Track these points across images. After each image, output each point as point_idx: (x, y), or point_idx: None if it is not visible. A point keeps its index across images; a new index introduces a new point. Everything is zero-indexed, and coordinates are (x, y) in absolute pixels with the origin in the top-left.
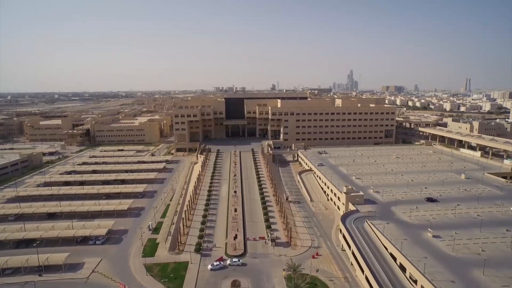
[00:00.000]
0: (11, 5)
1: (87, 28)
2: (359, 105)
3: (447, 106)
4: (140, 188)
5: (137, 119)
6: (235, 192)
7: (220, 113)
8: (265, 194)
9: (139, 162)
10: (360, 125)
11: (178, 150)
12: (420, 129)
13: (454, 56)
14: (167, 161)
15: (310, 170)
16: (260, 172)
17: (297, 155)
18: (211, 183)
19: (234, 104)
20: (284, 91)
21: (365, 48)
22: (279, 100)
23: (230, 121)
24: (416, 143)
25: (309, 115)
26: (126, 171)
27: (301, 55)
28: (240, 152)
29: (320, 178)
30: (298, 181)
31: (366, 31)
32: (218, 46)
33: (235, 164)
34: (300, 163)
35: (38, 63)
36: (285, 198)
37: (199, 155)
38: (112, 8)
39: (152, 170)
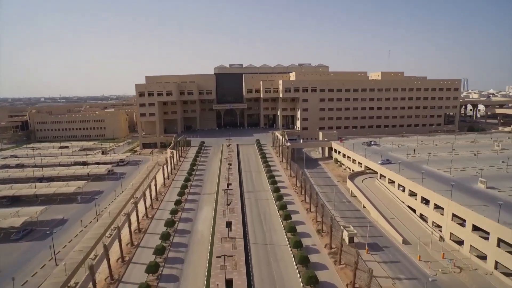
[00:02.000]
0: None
1: (78, 28)
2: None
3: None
4: (19, 220)
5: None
6: (228, 225)
7: (209, 92)
8: (298, 230)
9: (75, 164)
10: (409, 107)
11: (145, 146)
12: (499, 111)
13: (448, 55)
14: (119, 162)
15: (369, 172)
16: (277, 178)
17: (331, 149)
18: (177, 206)
19: (229, 82)
20: (297, 64)
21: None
22: (294, 72)
23: (223, 105)
24: (493, 130)
25: (339, 93)
26: (41, 179)
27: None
28: (238, 145)
29: (403, 187)
30: (351, 193)
31: (360, 27)
32: (222, 45)
33: (230, 165)
34: (337, 161)
35: (26, 67)
36: (343, 237)
37: (170, 151)
38: (109, 6)
39: (81, 178)
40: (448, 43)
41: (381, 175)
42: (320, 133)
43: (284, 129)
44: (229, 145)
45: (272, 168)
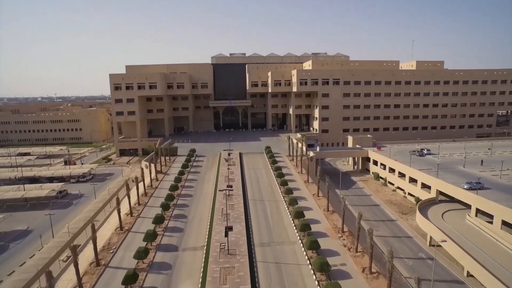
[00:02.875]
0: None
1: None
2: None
3: None
4: None
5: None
6: None
7: (204, 85)
8: None
9: (17, 180)
10: (453, 104)
11: (122, 152)
12: None
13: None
14: (79, 178)
15: (445, 200)
16: (307, 215)
17: (366, 160)
18: None
19: (229, 74)
20: (311, 54)
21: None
22: (310, 60)
23: (221, 102)
24: None
25: (367, 86)
26: None
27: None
28: (241, 155)
29: None
30: (430, 241)
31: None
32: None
33: (230, 189)
34: (378, 177)
35: (23, 67)
36: None
37: (144, 165)
38: (113, 4)
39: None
40: (484, 30)
41: (478, 210)
42: (350, 138)
43: (298, 131)
44: (229, 154)
45: (295, 192)
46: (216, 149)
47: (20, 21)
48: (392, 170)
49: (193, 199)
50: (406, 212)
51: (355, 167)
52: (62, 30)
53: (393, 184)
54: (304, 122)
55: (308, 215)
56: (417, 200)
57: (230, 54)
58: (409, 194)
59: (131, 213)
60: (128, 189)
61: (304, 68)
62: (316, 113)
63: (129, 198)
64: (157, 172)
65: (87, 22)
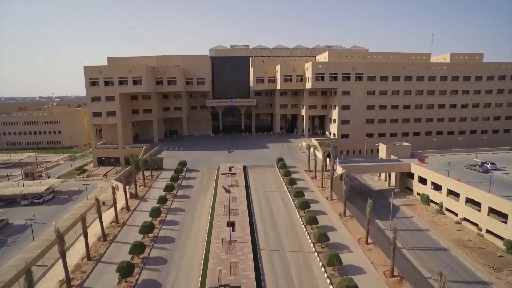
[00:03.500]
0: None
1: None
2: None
3: None
4: None
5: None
6: None
7: (201, 81)
8: None
9: None
10: (497, 104)
11: (101, 162)
12: None
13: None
14: (33, 199)
15: None
16: (360, 283)
17: (411, 176)
18: None
19: (230, 68)
20: (324, 46)
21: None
22: (326, 52)
23: (221, 101)
24: None
25: (395, 83)
26: None
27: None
28: (245, 169)
29: None
30: None
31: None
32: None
33: (232, 229)
34: (428, 200)
35: (19, 67)
36: None
37: (115, 185)
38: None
39: None
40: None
41: None
42: (383, 146)
43: (313, 137)
44: (230, 169)
45: (331, 235)
46: (213, 161)
47: (20, 18)
48: (452, 193)
49: (176, 249)
50: (499, 266)
51: (393, 184)
52: (62, 30)
53: (455, 214)
54: (317, 125)
55: (359, 280)
56: (509, 245)
57: (231, 46)
58: (489, 232)
59: (68, 282)
60: (85, 225)
61: (322, 61)
62: (334, 114)
63: (85, 237)
64: (131, 195)
65: (80, 16)
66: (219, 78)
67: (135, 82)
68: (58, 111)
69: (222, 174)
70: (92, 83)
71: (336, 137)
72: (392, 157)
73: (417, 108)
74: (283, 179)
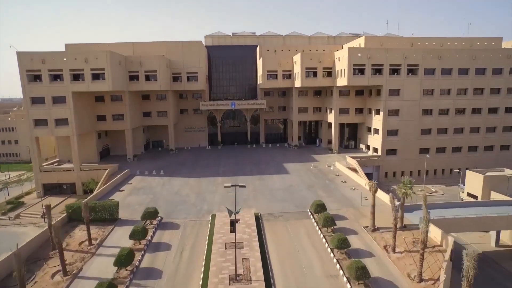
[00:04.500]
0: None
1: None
2: None
3: None
4: None
5: None
6: None
7: (193, 77)
8: None
9: None
10: None
11: (49, 189)
12: None
13: None
14: None
15: None
16: None
17: None
18: None
19: (231, 62)
20: (349, 34)
21: None
22: (361, 38)
23: (219, 103)
24: None
25: (462, 78)
26: None
27: None
28: (259, 221)
29: None
30: None
31: None
32: None
33: None
34: None
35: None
36: None
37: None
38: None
39: None
40: None
41: None
42: (475, 177)
43: (343, 151)
44: (233, 225)
45: None
46: (206, 200)
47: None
48: None
49: None
50: None
51: (505, 242)
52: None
53: None
54: (349, 136)
55: None
56: None
57: (233, 33)
58: None
59: None
60: None
61: (358, 48)
62: (376, 122)
63: None
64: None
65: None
66: (217, 73)
67: (96, 77)
68: (14, 116)
69: (218, 236)
70: (33, 77)
71: (380, 153)
72: (497, 196)
73: (491, 113)
74: (332, 252)
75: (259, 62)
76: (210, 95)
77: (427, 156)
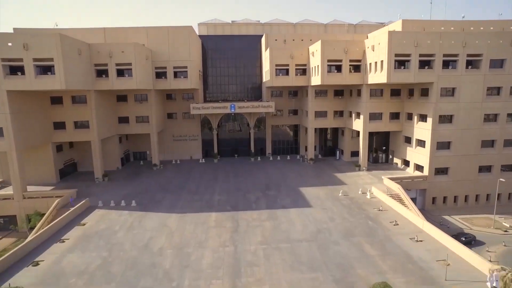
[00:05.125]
0: None
1: None
2: None
3: None
4: None
5: None
6: None
7: (181, 72)
8: None
9: None
10: None
11: None
12: None
13: None
14: None
15: None
16: None
17: None
18: None
19: (230, 55)
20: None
21: None
22: (398, 22)
23: (215, 106)
24: None
25: None
26: None
27: None
28: None
29: None
30: None
31: None
32: None
33: None
34: None
35: None
36: None
37: None
38: None
39: None
40: None
41: None
42: None
43: (373, 167)
44: None
45: None
46: (190, 256)
47: None
48: None
49: None
50: None
51: None
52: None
53: None
54: (378, 147)
55: None
56: None
57: (233, 21)
58: None
59: None
60: None
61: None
62: (420, 131)
63: None
64: None
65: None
66: (214, 69)
67: (44, 70)
68: None
69: None
70: None
71: (426, 172)
72: None
73: None
74: None
75: (266, 55)
76: (206, 96)
77: (501, 179)
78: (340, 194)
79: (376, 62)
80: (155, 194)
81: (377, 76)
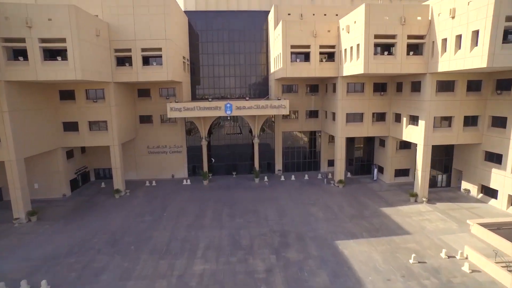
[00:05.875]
0: None
1: None
2: None
3: None
4: None
5: None
6: None
7: (153, 58)
8: None
9: None
10: None
11: None
12: None
13: None
14: None
15: None
16: None
17: None
18: None
19: (225, 38)
20: None
21: None
22: None
23: (202, 106)
24: None
25: None
26: None
27: None
28: None
29: None
30: None
31: None
32: None
33: None
34: None
35: None
36: None
37: None
38: None
39: None
40: None
41: None
42: None
43: (437, 197)
44: None
45: None
46: None
47: None
48: None
49: None
50: None
51: None
52: None
53: None
54: (433, 163)
55: None
56: None
57: None
58: None
59: None
60: None
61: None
62: None
63: None
64: None
65: None
66: (204, 56)
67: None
68: None
69: None
70: None
71: None
72: None
73: None
74: None
75: (275, 34)
76: (196, 92)
77: None
78: (411, 261)
79: (458, 36)
80: (95, 256)
81: (465, 60)
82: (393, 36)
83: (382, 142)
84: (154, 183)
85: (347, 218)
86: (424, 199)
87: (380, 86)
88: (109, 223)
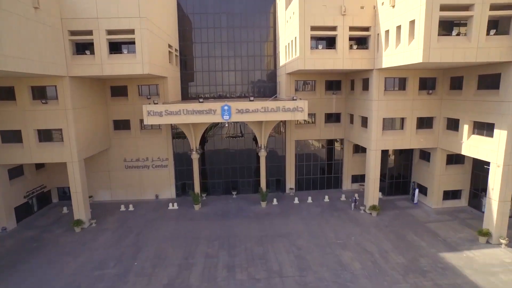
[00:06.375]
0: None
1: None
2: None
3: None
4: None
5: None
6: None
7: (125, 42)
8: None
9: None
10: None
11: None
12: None
13: None
14: None
15: None
16: None
17: None
18: None
19: (222, 24)
20: None
21: None
22: None
23: (190, 110)
24: None
25: None
26: None
27: None
28: None
29: None
30: None
31: None
32: None
33: None
34: None
35: None
36: None
37: None
38: None
39: None
40: None
41: None
42: None
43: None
44: None
45: None
46: None
47: None
48: None
49: None
50: None
51: None
52: None
53: None
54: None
55: None
56: None
57: None
58: None
59: None
60: None
61: None
62: None
63: None
64: None
65: None
66: (198, 45)
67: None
68: None
69: None
70: None
71: None
72: None
73: None
74: None
75: (288, 14)
76: (188, 90)
77: None
78: None
79: None
80: None
81: None
82: (465, 6)
83: (424, 155)
84: (131, 207)
85: (399, 274)
86: (502, 240)
87: (429, 83)
88: (49, 281)
